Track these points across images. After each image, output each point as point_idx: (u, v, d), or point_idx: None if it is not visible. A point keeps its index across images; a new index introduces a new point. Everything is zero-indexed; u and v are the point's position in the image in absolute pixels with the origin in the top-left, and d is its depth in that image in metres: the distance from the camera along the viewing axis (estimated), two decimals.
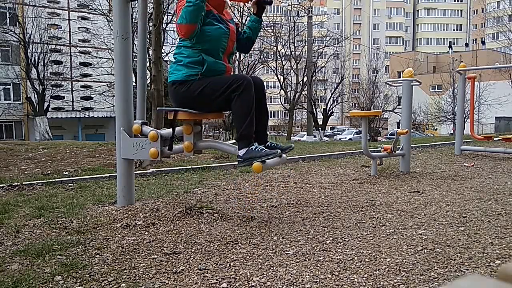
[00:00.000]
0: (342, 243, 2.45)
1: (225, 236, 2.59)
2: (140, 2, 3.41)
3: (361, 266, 2.11)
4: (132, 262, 2.21)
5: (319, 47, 26.94)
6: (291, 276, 2.00)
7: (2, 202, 3.50)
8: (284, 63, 26.06)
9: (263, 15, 3.36)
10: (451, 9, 69.23)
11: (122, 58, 3.21)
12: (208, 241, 2.51)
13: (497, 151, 6.56)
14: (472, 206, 3.27)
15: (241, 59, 21.90)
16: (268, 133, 3.13)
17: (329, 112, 26.81)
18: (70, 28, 25.31)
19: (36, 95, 19.27)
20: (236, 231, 2.69)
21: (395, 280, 1.93)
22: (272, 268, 2.11)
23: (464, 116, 8.52)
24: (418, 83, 5.31)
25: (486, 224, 2.77)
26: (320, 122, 25.18)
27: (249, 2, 3.18)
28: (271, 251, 2.34)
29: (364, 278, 1.96)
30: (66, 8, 25.53)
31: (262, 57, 24.20)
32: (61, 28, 24.84)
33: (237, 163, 2.89)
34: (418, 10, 70.87)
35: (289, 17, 26.19)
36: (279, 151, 2.81)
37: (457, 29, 69.30)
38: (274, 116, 45.99)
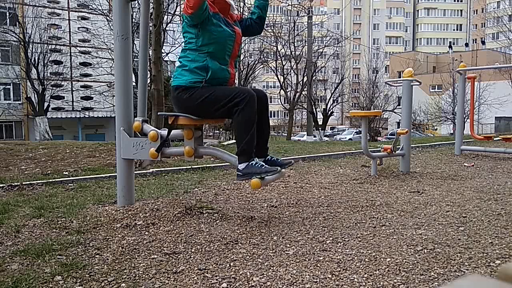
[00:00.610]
0: (342, 243, 2.45)
1: (225, 236, 2.59)
2: (142, 2, 3.40)
3: (361, 266, 2.11)
4: (132, 262, 2.21)
5: (319, 47, 26.93)
6: (291, 276, 2.00)
7: (2, 202, 3.50)
8: (284, 63, 26.04)
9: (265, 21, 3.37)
10: (451, 9, 69.23)
11: (122, 58, 3.21)
12: (208, 241, 2.51)
13: (497, 151, 6.56)
14: (472, 206, 3.27)
15: (241, 59, 21.89)
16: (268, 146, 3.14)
17: (329, 112, 26.80)
18: (70, 28, 25.31)
19: (36, 95, 19.25)
20: (236, 231, 2.69)
21: (395, 280, 1.93)
22: (272, 268, 2.11)
23: (464, 116, 8.53)
24: (418, 83, 5.31)
25: (486, 224, 2.77)
26: (320, 122, 25.17)
27: None
28: (271, 251, 2.34)
29: (364, 278, 1.96)
30: (66, 8, 25.54)
31: (262, 57, 24.20)
32: (61, 28, 24.84)
33: (236, 176, 2.90)
34: (418, 10, 70.86)
35: (289, 17, 26.17)
36: (278, 168, 2.82)
37: (457, 29, 69.29)
38: (274, 116, 45.97)
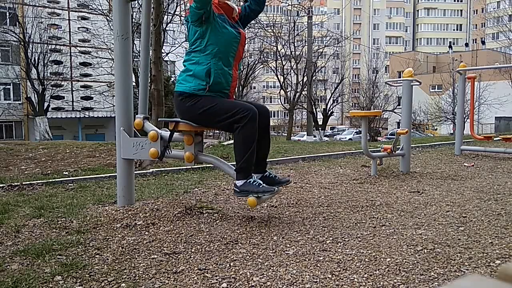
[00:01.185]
0: (342, 243, 2.45)
1: (225, 236, 2.59)
2: (144, 2, 3.40)
3: (361, 266, 2.11)
4: (132, 262, 2.21)
5: (319, 47, 26.92)
6: (291, 276, 2.00)
7: (2, 202, 3.50)
8: (284, 63, 26.04)
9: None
10: (451, 9, 69.26)
11: (122, 58, 3.21)
12: (208, 241, 2.51)
13: (497, 151, 6.56)
14: (472, 206, 3.27)
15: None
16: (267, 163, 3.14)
17: (329, 112, 26.80)
18: (70, 28, 25.31)
19: (36, 95, 19.26)
20: (236, 231, 2.69)
21: (395, 280, 1.93)
22: (272, 268, 2.11)
23: (464, 116, 8.53)
24: (418, 83, 5.31)
25: (486, 224, 2.77)
26: (320, 122, 25.18)
27: None
28: (271, 251, 2.34)
29: (364, 278, 1.96)
30: (66, 8, 25.54)
31: (262, 57, 24.20)
32: (61, 28, 24.84)
33: (233, 191, 2.93)
34: (418, 10, 70.88)
35: (289, 17, 26.17)
36: (276, 189, 2.84)
37: (457, 29, 69.32)
38: (274, 116, 45.98)
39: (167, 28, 12.89)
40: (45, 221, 2.94)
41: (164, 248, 2.41)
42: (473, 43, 59.78)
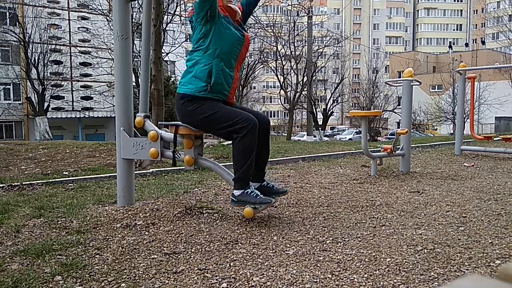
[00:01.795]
0: (342, 243, 2.45)
1: (225, 236, 2.59)
2: (145, 1, 3.40)
3: (361, 266, 2.11)
4: (132, 262, 2.21)
5: (319, 47, 26.92)
6: (291, 276, 2.00)
7: (2, 202, 3.50)
8: (284, 63, 26.04)
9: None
10: (451, 9, 69.26)
11: (122, 58, 3.21)
12: (208, 241, 2.51)
13: (497, 151, 6.56)
14: (472, 206, 3.27)
15: None
16: (265, 171, 3.15)
17: (329, 112, 26.80)
18: (70, 28, 25.32)
19: (36, 95, 19.26)
20: (236, 231, 2.69)
21: (395, 280, 1.93)
22: (272, 268, 2.11)
23: (464, 116, 8.53)
24: (418, 83, 5.31)
25: (486, 224, 2.77)
26: (320, 122, 25.17)
27: None
28: (271, 251, 2.34)
29: (364, 278, 1.96)
30: (66, 8, 25.54)
31: (262, 57, 24.19)
32: (61, 28, 24.85)
33: (230, 200, 2.94)
34: (418, 10, 70.88)
35: (289, 17, 26.17)
36: (272, 200, 2.86)
37: (457, 29, 69.32)
38: (274, 116, 46.01)
39: (167, 28, 12.88)
40: (45, 221, 2.94)
41: (164, 248, 2.41)
42: (473, 43, 59.79)
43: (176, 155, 3.09)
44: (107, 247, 2.43)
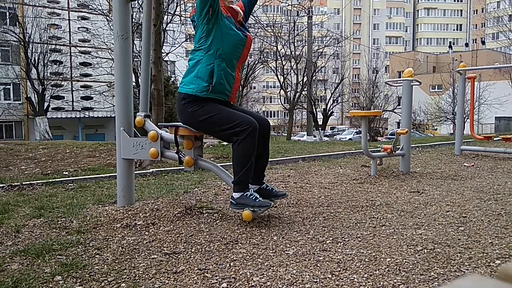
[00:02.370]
0: (342, 243, 2.45)
1: (225, 236, 2.59)
2: (145, 1, 3.40)
3: (361, 266, 2.11)
4: (132, 262, 2.21)
5: (319, 47, 26.93)
6: (291, 276, 2.00)
7: (2, 202, 3.51)
8: (284, 63, 26.05)
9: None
10: (451, 9, 69.26)
11: (122, 58, 3.21)
12: (208, 241, 2.51)
13: (497, 151, 6.56)
14: (472, 206, 3.27)
15: None
16: (265, 174, 3.15)
17: (329, 112, 26.80)
18: (70, 28, 25.31)
19: (36, 95, 19.26)
20: (236, 231, 2.69)
21: (395, 280, 1.93)
22: (272, 268, 2.11)
23: (464, 116, 8.53)
24: (418, 83, 5.31)
25: (486, 224, 2.77)
26: (320, 122, 25.18)
27: None
28: (271, 251, 2.34)
29: (364, 278, 1.96)
30: (66, 8, 25.54)
31: (262, 57, 24.20)
32: (61, 28, 24.84)
33: (229, 203, 2.94)
34: (418, 10, 70.89)
35: (289, 17, 26.18)
36: (271, 203, 2.87)
37: (457, 29, 69.32)
38: (274, 116, 46.03)
39: (167, 28, 12.88)
40: (45, 221, 2.94)
41: (164, 248, 2.41)
42: (473, 43, 59.79)
43: (181, 155, 3.09)
44: (107, 247, 2.43)
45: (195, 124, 2.92)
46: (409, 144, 5.23)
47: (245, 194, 2.80)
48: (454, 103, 26.62)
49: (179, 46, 14.61)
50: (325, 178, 4.71)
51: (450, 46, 43.59)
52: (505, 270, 0.51)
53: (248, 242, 2.50)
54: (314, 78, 25.58)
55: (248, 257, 2.26)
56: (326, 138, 24.85)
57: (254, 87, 36.50)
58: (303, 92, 25.66)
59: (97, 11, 16.97)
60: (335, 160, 6.33)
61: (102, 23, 17.74)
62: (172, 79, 20.78)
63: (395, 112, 28.45)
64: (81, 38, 24.76)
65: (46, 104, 19.47)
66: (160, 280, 1.99)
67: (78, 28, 25.01)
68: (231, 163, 2.97)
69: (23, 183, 4.35)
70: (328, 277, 1.98)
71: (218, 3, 2.76)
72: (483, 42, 51.41)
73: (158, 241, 2.52)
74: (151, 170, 5.18)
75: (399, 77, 14.49)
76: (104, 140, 15.35)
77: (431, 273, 2.00)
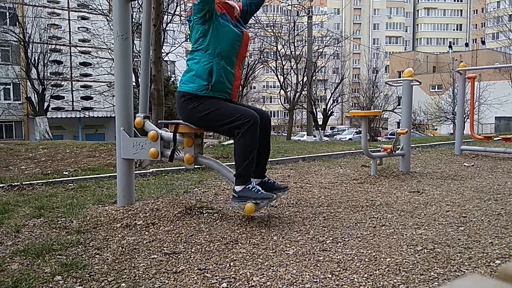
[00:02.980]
0: (342, 243, 2.45)
1: (225, 236, 2.59)
2: (144, 1, 3.40)
3: (361, 266, 2.11)
4: (132, 262, 2.21)
5: (319, 47, 26.92)
6: (291, 276, 2.00)
7: (2, 202, 3.50)
8: (284, 63, 26.04)
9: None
10: (451, 9, 69.26)
11: (122, 58, 3.21)
12: (208, 241, 2.51)
13: (497, 151, 6.56)
14: (472, 206, 3.27)
15: None
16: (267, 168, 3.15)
17: (329, 112, 26.79)
18: (70, 28, 25.31)
19: (36, 95, 19.26)
20: (236, 231, 2.69)
21: (395, 280, 1.93)
22: (272, 268, 2.11)
23: (464, 116, 8.53)
24: (418, 83, 5.31)
25: (486, 224, 2.77)
26: (320, 122, 25.16)
27: None
28: (271, 251, 2.34)
29: (364, 278, 1.96)
30: (66, 8, 25.54)
31: (262, 57, 24.20)
32: (61, 28, 24.84)
33: (231, 197, 2.92)
34: (418, 10, 70.89)
35: (289, 17, 26.17)
36: (274, 195, 2.85)
37: (457, 29, 69.32)
38: (274, 116, 46.00)
39: (167, 28, 12.88)
40: (45, 221, 2.94)
41: (164, 248, 2.41)
42: (473, 43, 59.79)
43: (175, 153, 3.09)
44: (107, 247, 2.43)
45: (196, 120, 2.91)
46: (409, 144, 5.23)
47: (247, 187, 2.79)
48: (454, 103, 26.62)
49: (179, 46, 14.61)
50: (325, 178, 4.70)
51: (450, 46, 43.58)
52: (505, 270, 0.51)
53: (248, 242, 2.50)
54: (314, 78, 25.57)
55: (248, 257, 2.26)
56: (326, 138, 24.85)
57: (254, 87, 36.50)
58: (303, 92, 25.65)
59: (97, 11, 16.98)
60: (335, 160, 6.33)
61: (102, 23, 17.74)
62: (172, 79, 20.77)
63: (395, 112, 28.45)
64: (81, 38, 24.76)
65: (46, 104, 19.46)
66: (160, 280, 1.99)
67: (78, 28, 25.01)
68: (232, 163, 2.97)
69: (23, 183, 4.34)
70: (328, 277, 1.98)
71: (214, 6, 2.77)
72: (483, 42, 51.40)
73: (158, 241, 2.52)
74: (151, 170, 5.18)
75: (399, 77, 14.48)
76: (104, 140, 15.35)
77: (431, 273, 2.00)
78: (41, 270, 2.08)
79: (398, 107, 26.33)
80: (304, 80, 24.93)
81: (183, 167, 5.40)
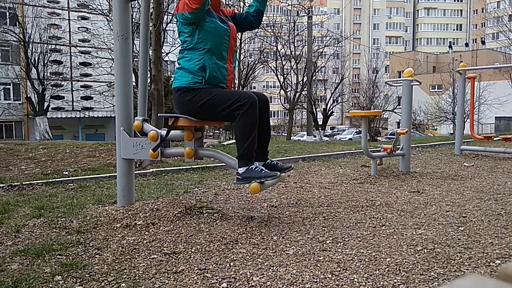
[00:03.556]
0: (342, 243, 2.45)
1: (225, 236, 2.59)
2: (143, 1, 3.40)
3: (361, 266, 2.11)
4: (132, 262, 2.21)
5: (319, 47, 26.92)
6: (291, 276, 2.00)
7: (2, 202, 3.50)
8: (284, 63, 26.05)
9: (263, 15, 3.36)
10: (451, 9, 69.24)
11: (122, 58, 3.21)
12: (208, 241, 2.51)
13: (497, 151, 6.56)
14: (472, 206, 3.27)
15: (241, 59, 21.89)
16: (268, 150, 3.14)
17: (329, 112, 26.80)
18: (70, 28, 25.32)
19: (36, 95, 19.26)
20: (236, 231, 2.69)
21: (395, 280, 1.93)
22: (272, 268, 2.11)
23: (464, 116, 8.53)
24: (418, 83, 5.31)
25: (486, 224, 2.77)
26: (320, 122, 25.17)
27: None
28: (271, 251, 2.34)
29: (364, 278, 1.96)
30: (66, 8, 25.54)
31: (262, 57, 24.20)
32: (61, 28, 24.84)
33: (235, 180, 2.89)
34: (418, 10, 70.87)
35: (289, 17, 26.18)
36: (278, 173, 2.83)
37: (457, 29, 69.31)
38: (274, 116, 45.97)
39: (167, 28, 12.88)
40: (45, 221, 2.94)
41: (164, 248, 2.41)
42: (473, 43, 59.78)
43: (162, 146, 3.06)
44: (107, 247, 2.43)
45: (195, 110, 2.90)
46: (409, 144, 5.23)
47: (250, 168, 2.78)
48: (454, 103, 26.61)
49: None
50: (325, 178, 4.70)
51: (450, 46, 43.59)
52: (505, 270, 0.51)
53: (248, 242, 2.50)
54: (314, 78, 25.58)
55: (248, 257, 2.26)
56: (326, 138, 24.85)
57: (254, 87, 36.50)
58: (303, 92, 25.65)
59: (97, 11, 16.99)
60: (335, 160, 6.33)
61: (102, 23, 17.75)
62: (172, 79, 20.78)
63: (395, 112, 28.44)
64: (81, 38, 24.76)
65: (46, 104, 19.46)
66: (160, 280, 1.99)
67: (78, 28, 25.02)
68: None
69: (23, 183, 4.34)
70: (328, 277, 1.98)
71: (204, 14, 2.80)
72: (483, 42, 51.39)
73: (158, 241, 2.52)
74: (151, 170, 5.18)
75: (399, 77, 14.48)
76: (104, 140, 15.34)
77: (431, 273, 2.00)
78: (41, 270, 2.08)
79: (398, 107, 26.33)
80: (304, 80, 24.93)
81: (183, 167, 5.40)
